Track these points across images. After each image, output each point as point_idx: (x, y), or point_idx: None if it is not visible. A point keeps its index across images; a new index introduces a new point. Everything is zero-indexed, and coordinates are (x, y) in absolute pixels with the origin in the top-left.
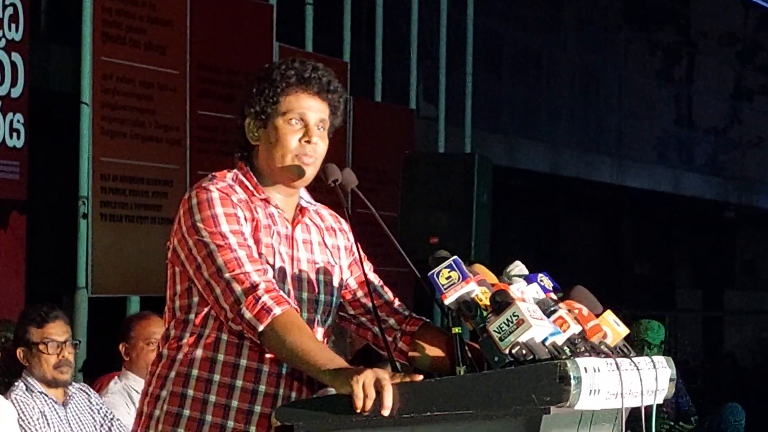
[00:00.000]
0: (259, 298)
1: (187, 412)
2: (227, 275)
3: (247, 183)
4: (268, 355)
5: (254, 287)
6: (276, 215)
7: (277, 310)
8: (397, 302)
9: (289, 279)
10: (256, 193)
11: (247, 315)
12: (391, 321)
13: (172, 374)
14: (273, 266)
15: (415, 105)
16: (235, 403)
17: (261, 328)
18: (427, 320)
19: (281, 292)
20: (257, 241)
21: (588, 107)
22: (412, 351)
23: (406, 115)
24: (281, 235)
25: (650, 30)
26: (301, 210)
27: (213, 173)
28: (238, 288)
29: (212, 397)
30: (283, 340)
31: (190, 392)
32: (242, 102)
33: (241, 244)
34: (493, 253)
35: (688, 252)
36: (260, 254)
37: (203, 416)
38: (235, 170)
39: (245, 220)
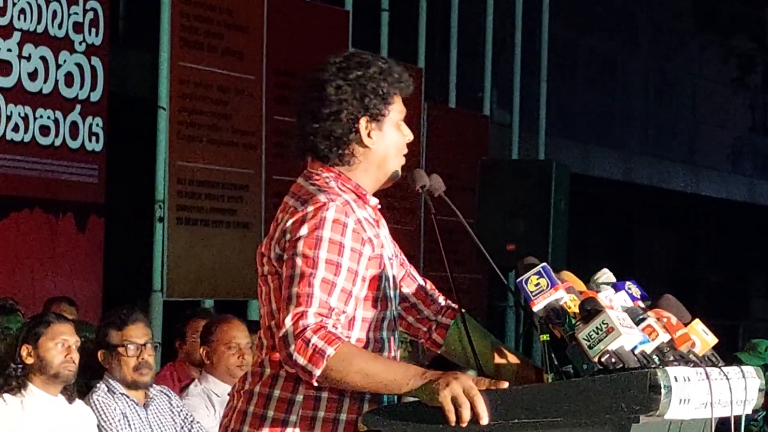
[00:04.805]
0: (309, 341)
1: None
2: (291, 308)
3: (349, 187)
4: None
5: (303, 329)
6: (371, 218)
7: (330, 351)
8: (432, 290)
9: (390, 280)
10: (361, 198)
11: (301, 360)
12: (427, 312)
13: (299, 398)
14: (387, 275)
15: (489, 111)
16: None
17: (318, 372)
18: (463, 311)
19: (329, 329)
20: (380, 257)
21: (662, 114)
22: (446, 344)
23: (480, 121)
24: (380, 237)
25: (725, 36)
26: (374, 207)
27: (312, 181)
28: (290, 327)
29: (343, 416)
30: (346, 374)
31: (321, 415)
32: (351, 102)
33: (325, 281)
34: (569, 261)
35: (762, 261)
36: (382, 272)
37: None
38: (329, 174)
39: (362, 244)
